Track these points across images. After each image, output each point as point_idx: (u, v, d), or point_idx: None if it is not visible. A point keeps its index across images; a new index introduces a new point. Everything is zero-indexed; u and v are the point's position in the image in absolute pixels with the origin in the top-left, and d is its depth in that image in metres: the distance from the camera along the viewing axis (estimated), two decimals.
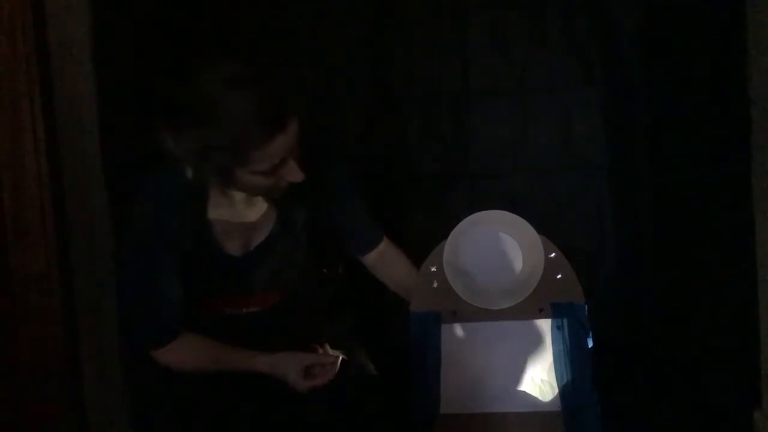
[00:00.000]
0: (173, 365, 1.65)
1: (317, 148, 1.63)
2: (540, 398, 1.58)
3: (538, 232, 1.60)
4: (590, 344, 1.57)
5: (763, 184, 1.61)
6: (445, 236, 1.61)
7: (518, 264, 1.60)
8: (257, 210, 1.67)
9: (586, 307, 1.58)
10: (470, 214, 1.63)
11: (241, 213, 1.65)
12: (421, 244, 1.70)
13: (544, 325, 1.58)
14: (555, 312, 1.58)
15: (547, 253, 1.59)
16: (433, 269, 1.61)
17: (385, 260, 1.84)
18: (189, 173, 1.57)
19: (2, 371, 1.82)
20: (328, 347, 1.71)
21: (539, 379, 1.59)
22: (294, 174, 1.54)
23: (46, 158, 1.76)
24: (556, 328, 1.57)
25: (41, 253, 1.78)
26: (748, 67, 1.59)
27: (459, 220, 1.62)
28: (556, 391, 1.57)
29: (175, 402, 1.67)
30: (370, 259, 1.85)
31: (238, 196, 1.61)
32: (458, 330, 1.61)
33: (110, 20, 1.78)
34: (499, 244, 1.60)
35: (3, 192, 1.76)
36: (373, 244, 1.83)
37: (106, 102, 1.77)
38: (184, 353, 1.65)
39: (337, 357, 1.61)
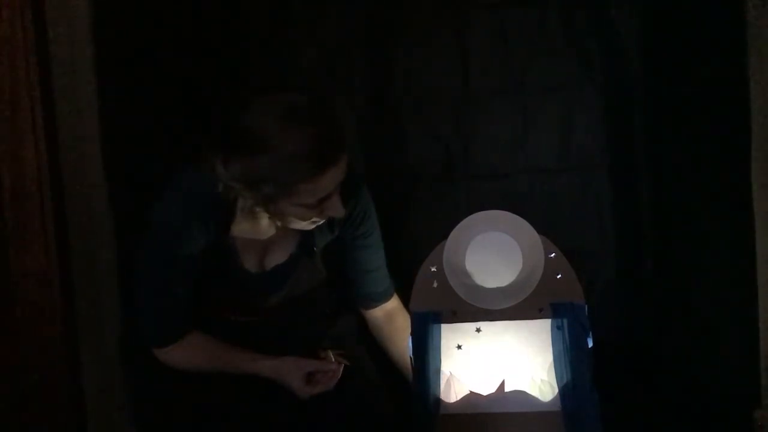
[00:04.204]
0: (175, 365, 1.66)
1: (350, 180, 1.59)
2: (540, 398, 1.58)
3: (538, 232, 1.60)
4: (590, 344, 1.57)
5: (763, 183, 1.62)
6: (445, 236, 1.61)
7: (518, 264, 1.60)
8: (278, 228, 1.65)
9: (586, 307, 1.58)
10: (470, 214, 1.62)
11: (263, 231, 1.64)
12: (421, 244, 1.70)
13: (544, 325, 1.58)
14: (555, 312, 1.57)
15: (547, 253, 1.59)
16: (433, 269, 1.61)
17: (393, 324, 1.78)
18: (221, 187, 1.53)
19: (2, 371, 1.82)
20: (331, 354, 1.70)
21: (539, 379, 1.59)
22: (336, 209, 1.52)
23: (47, 158, 1.76)
24: (556, 328, 1.57)
25: (41, 253, 1.78)
26: (749, 68, 1.59)
27: (459, 220, 1.62)
28: (556, 391, 1.57)
29: (176, 402, 1.68)
30: (376, 316, 1.79)
31: (264, 216, 1.58)
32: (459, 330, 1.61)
33: (111, 20, 1.78)
34: (499, 244, 1.60)
35: (3, 192, 1.76)
36: (382, 297, 1.78)
37: (107, 102, 1.77)
38: (186, 354, 1.65)
39: (340, 364, 1.61)
